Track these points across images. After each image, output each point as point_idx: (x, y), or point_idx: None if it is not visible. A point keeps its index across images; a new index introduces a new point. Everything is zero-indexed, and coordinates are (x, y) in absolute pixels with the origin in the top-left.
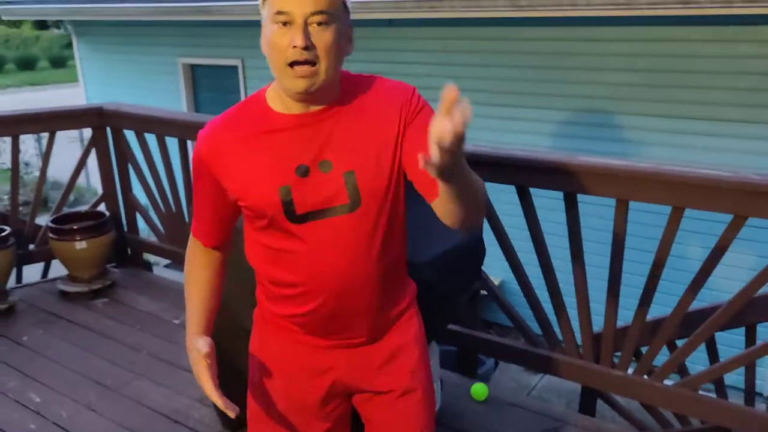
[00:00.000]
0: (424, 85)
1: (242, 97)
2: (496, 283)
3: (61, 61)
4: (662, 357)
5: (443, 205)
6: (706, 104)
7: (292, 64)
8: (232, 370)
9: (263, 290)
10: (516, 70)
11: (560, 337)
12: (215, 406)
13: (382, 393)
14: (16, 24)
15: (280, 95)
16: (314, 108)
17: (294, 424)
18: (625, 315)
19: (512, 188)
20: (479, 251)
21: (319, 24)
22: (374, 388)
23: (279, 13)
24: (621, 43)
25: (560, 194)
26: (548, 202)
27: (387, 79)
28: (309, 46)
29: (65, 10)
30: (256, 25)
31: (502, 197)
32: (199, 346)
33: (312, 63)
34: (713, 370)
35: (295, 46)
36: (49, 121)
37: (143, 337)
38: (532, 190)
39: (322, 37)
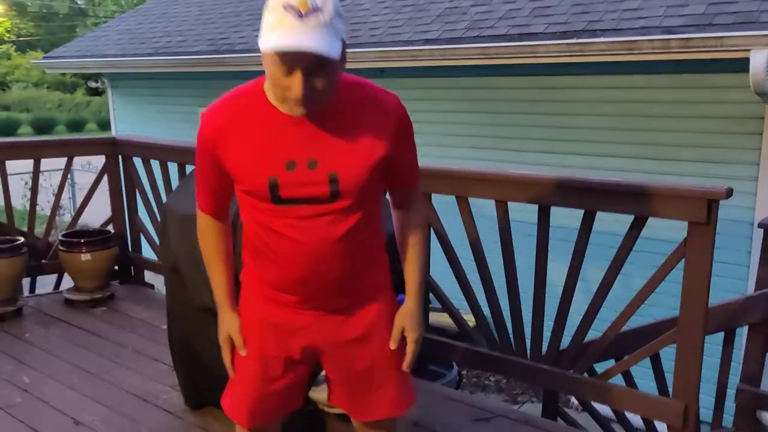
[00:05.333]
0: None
1: None
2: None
3: (109, 124)
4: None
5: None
6: (667, 146)
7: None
8: (189, 350)
9: (250, 250)
10: (493, 116)
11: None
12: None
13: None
14: (71, 90)
15: None
16: None
17: (263, 369)
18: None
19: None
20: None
21: (318, 73)
22: (343, 355)
23: (279, 63)
24: (587, 90)
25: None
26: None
27: (377, 88)
28: (308, 95)
29: (103, 63)
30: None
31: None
32: (232, 332)
33: (311, 101)
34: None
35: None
36: (68, 147)
37: (131, 337)
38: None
39: (321, 81)
